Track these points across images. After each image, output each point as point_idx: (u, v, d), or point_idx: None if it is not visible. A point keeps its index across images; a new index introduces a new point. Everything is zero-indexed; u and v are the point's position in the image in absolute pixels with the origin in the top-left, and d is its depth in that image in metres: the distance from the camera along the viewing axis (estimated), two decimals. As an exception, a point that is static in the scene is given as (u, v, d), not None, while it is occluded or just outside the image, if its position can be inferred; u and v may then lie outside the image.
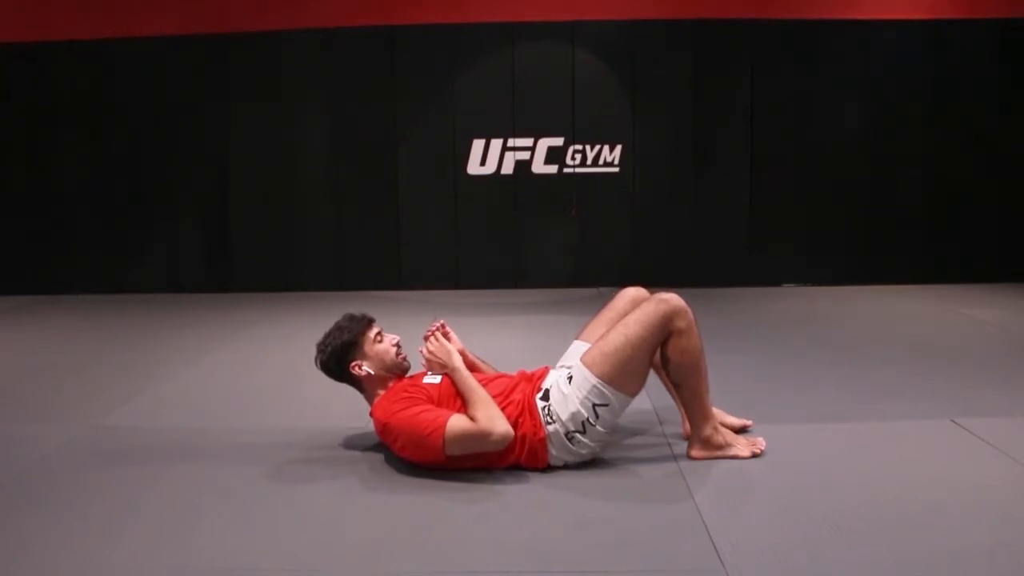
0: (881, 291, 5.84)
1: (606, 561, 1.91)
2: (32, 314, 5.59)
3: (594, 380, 2.39)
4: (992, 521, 2.06)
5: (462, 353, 2.63)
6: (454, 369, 2.48)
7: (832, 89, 6.07)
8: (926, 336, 4.39)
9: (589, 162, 6.16)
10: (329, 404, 2.95)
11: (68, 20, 6.15)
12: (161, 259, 6.39)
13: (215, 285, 6.34)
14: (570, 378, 2.44)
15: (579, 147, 6.15)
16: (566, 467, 2.44)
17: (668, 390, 2.68)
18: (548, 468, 2.43)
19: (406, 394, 2.45)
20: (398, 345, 2.61)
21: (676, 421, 2.76)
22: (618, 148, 6.15)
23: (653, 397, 2.94)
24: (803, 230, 6.19)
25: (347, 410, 2.81)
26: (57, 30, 6.14)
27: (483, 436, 2.30)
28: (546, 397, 2.44)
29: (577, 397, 2.40)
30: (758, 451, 2.53)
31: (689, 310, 2.42)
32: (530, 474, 2.40)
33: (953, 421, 2.82)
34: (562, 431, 2.40)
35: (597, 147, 6.15)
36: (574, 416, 2.39)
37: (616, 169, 6.17)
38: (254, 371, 3.92)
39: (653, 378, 2.57)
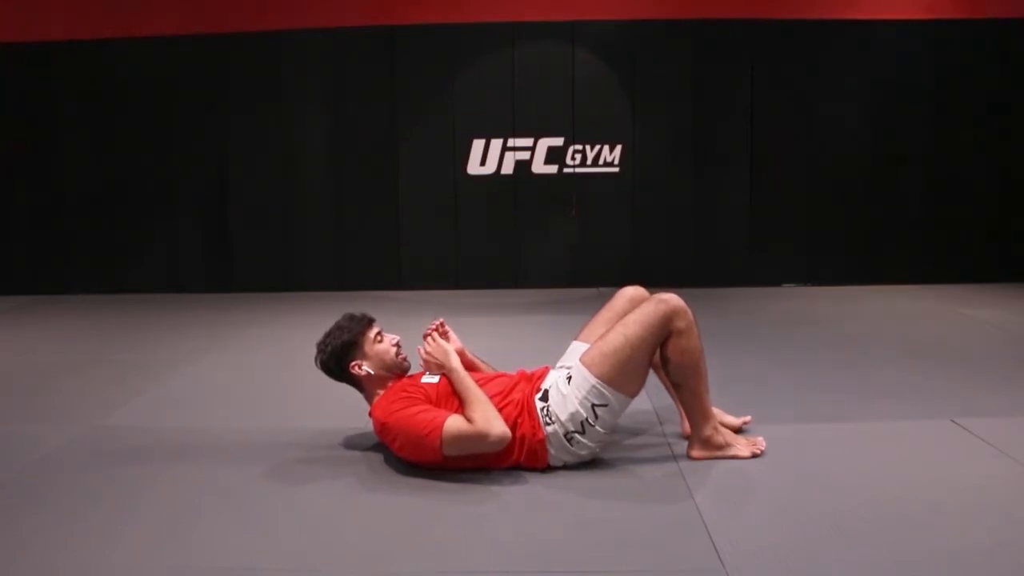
0: (881, 291, 5.84)
1: (606, 561, 1.91)
2: (32, 314, 5.59)
3: (593, 380, 2.39)
4: (992, 521, 2.06)
5: (461, 353, 2.63)
6: (451, 369, 2.48)
7: (832, 89, 6.08)
8: (926, 336, 4.39)
9: (589, 162, 6.16)
10: (329, 404, 2.95)
11: (68, 20, 6.16)
12: (161, 259, 6.39)
13: (215, 285, 6.34)
14: (569, 378, 2.44)
15: (579, 147, 6.15)
16: (565, 467, 2.44)
17: (668, 390, 2.68)
18: (548, 468, 2.43)
19: (405, 394, 2.44)
20: (398, 345, 2.60)
21: (676, 421, 2.76)
22: (618, 148, 6.16)
23: (653, 397, 2.94)
24: (803, 230, 6.19)
25: (347, 410, 2.81)
26: (57, 30, 6.15)
27: (480, 437, 2.30)
28: (545, 398, 2.44)
29: (576, 397, 2.39)
30: (758, 451, 2.53)
31: (689, 310, 2.42)
32: (530, 474, 2.40)
33: (953, 421, 2.82)
34: (561, 432, 2.40)
35: (597, 147, 6.15)
36: (573, 416, 2.39)
37: (616, 169, 6.17)
38: (254, 371, 3.92)
39: (653, 378, 2.57)
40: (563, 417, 2.39)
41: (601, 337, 2.47)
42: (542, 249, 6.27)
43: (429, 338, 2.59)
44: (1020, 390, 3.25)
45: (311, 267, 6.38)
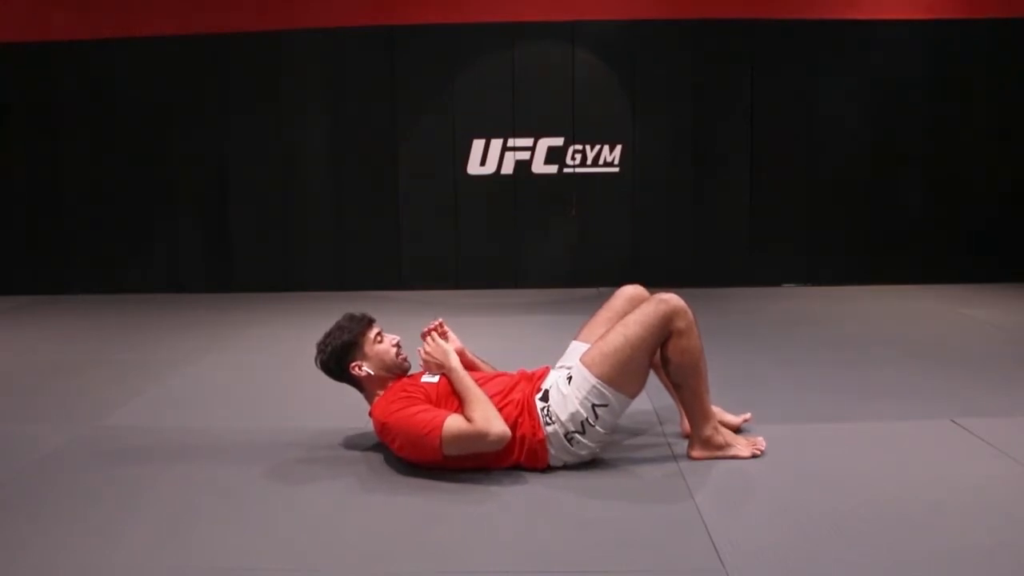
0: (881, 291, 5.84)
1: (606, 561, 1.91)
2: (32, 314, 5.59)
3: (593, 380, 2.39)
4: (992, 521, 2.06)
5: (461, 352, 2.63)
6: (451, 369, 2.48)
7: (832, 89, 6.07)
8: (926, 336, 4.39)
9: (589, 162, 6.16)
10: (329, 404, 2.95)
11: (68, 20, 6.15)
12: (161, 259, 6.39)
13: (215, 285, 6.34)
14: (569, 378, 2.44)
15: (579, 147, 6.15)
16: (565, 467, 2.44)
17: (668, 390, 2.68)
18: (548, 469, 2.43)
19: (404, 394, 2.45)
20: (398, 345, 2.60)
21: (676, 421, 2.75)
22: (618, 148, 6.15)
23: (653, 397, 2.93)
24: (803, 230, 6.19)
25: (347, 410, 2.81)
26: (57, 30, 6.14)
27: (479, 436, 2.30)
28: (545, 398, 2.44)
29: (576, 397, 2.39)
30: (758, 451, 2.53)
31: (689, 310, 2.42)
32: (530, 474, 2.40)
33: (953, 421, 2.81)
34: (561, 432, 2.40)
35: (597, 147, 6.15)
36: (573, 416, 2.39)
37: (616, 169, 6.17)
38: (254, 371, 3.92)
39: (653, 378, 2.57)
40: (563, 417, 2.39)
41: (601, 337, 2.47)
42: (542, 249, 6.27)
43: (429, 338, 2.58)
44: (1020, 390, 3.25)
45: (311, 267, 6.38)
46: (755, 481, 2.36)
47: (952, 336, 4.37)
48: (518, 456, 2.40)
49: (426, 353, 2.55)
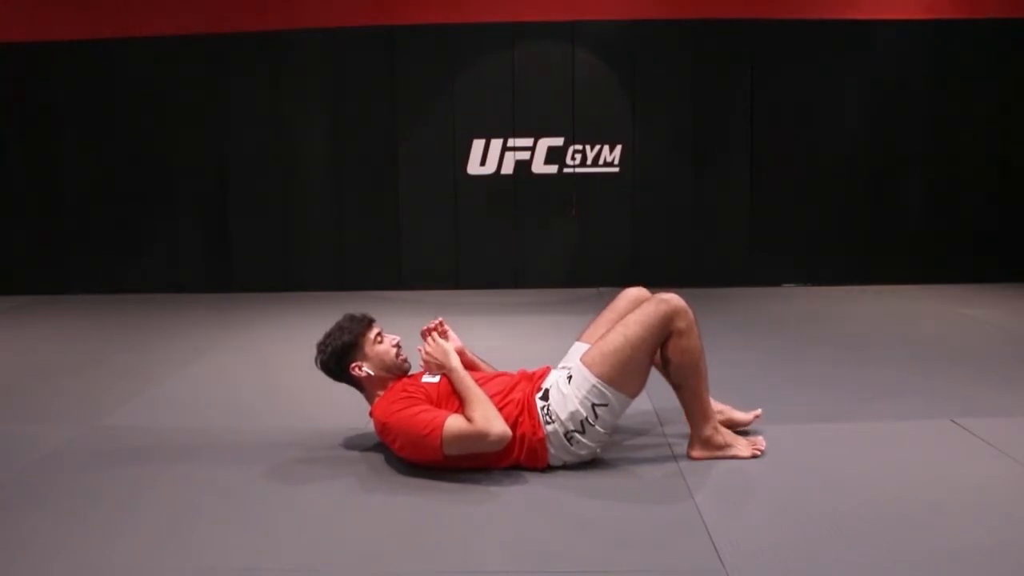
0: (881, 291, 5.84)
1: (606, 561, 1.91)
2: (32, 314, 5.59)
3: (593, 380, 2.39)
4: (992, 521, 2.06)
5: (461, 352, 2.63)
6: (451, 369, 2.48)
7: (832, 89, 6.07)
8: (926, 336, 4.39)
9: (589, 162, 6.16)
10: (329, 404, 2.95)
11: (68, 20, 6.15)
12: (161, 259, 6.39)
13: (215, 285, 6.34)
14: (570, 378, 2.44)
15: (579, 147, 6.15)
16: (565, 467, 2.44)
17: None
18: (548, 468, 2.43)
19: (405, 394, 2.45)
20: (398, 346, 2.60)
21: (676, 421, 2.75)
22: (618, 148, 6.15)
23: (653, 397, 2.93)
24: (803, 230, 6.19)
25: (347, 410, 2.81)
26: (57, 30, 6.14)
27: (480, 436, 2.30)
28: (545, 397, 2.44)
29: (576, 397, 2.39)
30: (758, 451, 2.53)
31: (689, 310, 2.42)
32: (530, 474, 2.40)
33: (953, 421, 2.82)
34: (561, 431, 2.40)
35: (597, 147, 6.15)
36: (573, 415, 2.39)
37: (616, 169, 6.17)
38: (254, 371, 3.92)
39: (653, 378, 2.57)
40: (563, 416, 2.39)
41: (602, 337, 2.47)
42: (542, 249, 6.27)
43: (429, 338, 2.58)
44: (1020, 390, 3.25)
45: (311, 267, 6.38)
46: (755, 481, 2.36)
47: (952, 336, 4.37)
48: (518, 455, 2.40)
49: (427, 353, 2.54)
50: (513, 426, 2.37)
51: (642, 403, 2.88)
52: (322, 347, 2.58)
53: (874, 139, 6.11)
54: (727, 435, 2.54)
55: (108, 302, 5.97)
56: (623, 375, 2.39)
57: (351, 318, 2.61)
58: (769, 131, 6.10)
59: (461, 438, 2.31)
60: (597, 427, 2.40)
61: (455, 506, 2.22)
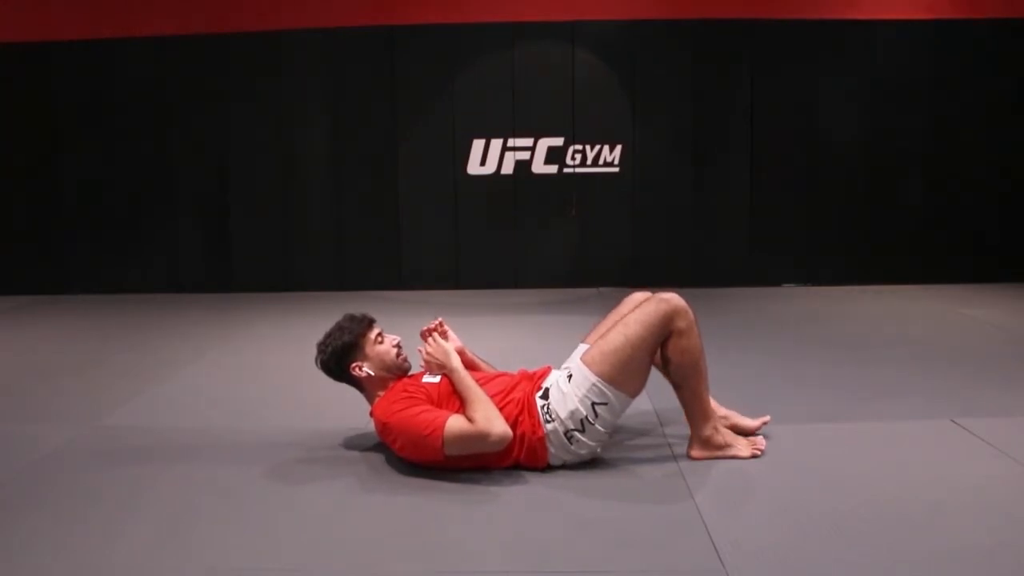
0: (881, 291, 5.84)
1: (606, 561, 1.91)
2: (32, 314, 5.59)
3: (593, 379, 2.39)
4: (992, 521, 2.06)
5: (461, 352, 2.63)
6: (452, 370, 2.48)
7: (832, 89, 6.07)
8: (926, 336, 4.39)
9: (589, 162, 6.16)
10: (329, 404, 2.95)
11: (68, 20, 6.15)
12: (161, 259, 6.39)
13: (215, 285, 6.34)
14: (570, 377, 2.44)
15: (579, 147, 6.15)
16: (565, 467, 2.44)
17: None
18: (547, 468, 2.43)
19: (406, 394, 2.45)
20: (399, 346, 2.60)
21: (676, 421, 2.75)
22: (618, 148, 6.15)
23: (653, 397, 2.93)
24: (803, 230, 6.19)
25: (347, 410, 2.81)
26: (57, 30, 6.14)
27: (481, 437, 2.30)
28: (546, 396, 2.44)
29: (576, 395, 2.39)
30: (758, 451, 2.53)
31: (690, 310, 2.42)
32: (530, 474, 2.40)
33: (953, 421, 2.82)
34: (561, 430, 2.40)
35: (597, 147, 6.15)
36: (573, 414, 2.39)
37: (616, 169, 6.17)
38: (254, 371, 3.92)
39: (652, 379, 2.57)
40: (563, 415, 2.39)
41: (602, 336, 2.47)
42: (542, 249, 6.27)
43: (430, 338, 2.58)
44: (1020, 390, 3.25)
45: (311, 267, 6.38)
46: (755, 481, 2.36)
47: (952, 336, 4.37)
48: (518, 454, 2.40)
49: (427, 354, 2.54)
50: (513, 425, 2.37)
51: (642, 403, 2.88)
52: (322, 347, 2.58)
53: (874, 139, 6.10)
54: (727, 435, 2.54)
55: (108, 302, 5.97)
56: (623, 374, 2.39)
57: (351, 318, 2.61)
58: (769, 131, 6.10)
59: (462, 438, 2.31)
60: (597, 426, 2.40)
61: (455, 506, 2.22)
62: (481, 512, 2.19)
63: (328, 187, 6.30)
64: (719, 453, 2.50)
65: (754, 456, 2.51)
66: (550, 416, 2.40)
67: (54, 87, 6.22)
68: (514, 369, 2.67)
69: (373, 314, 2.66)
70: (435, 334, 2.60)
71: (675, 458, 2.53)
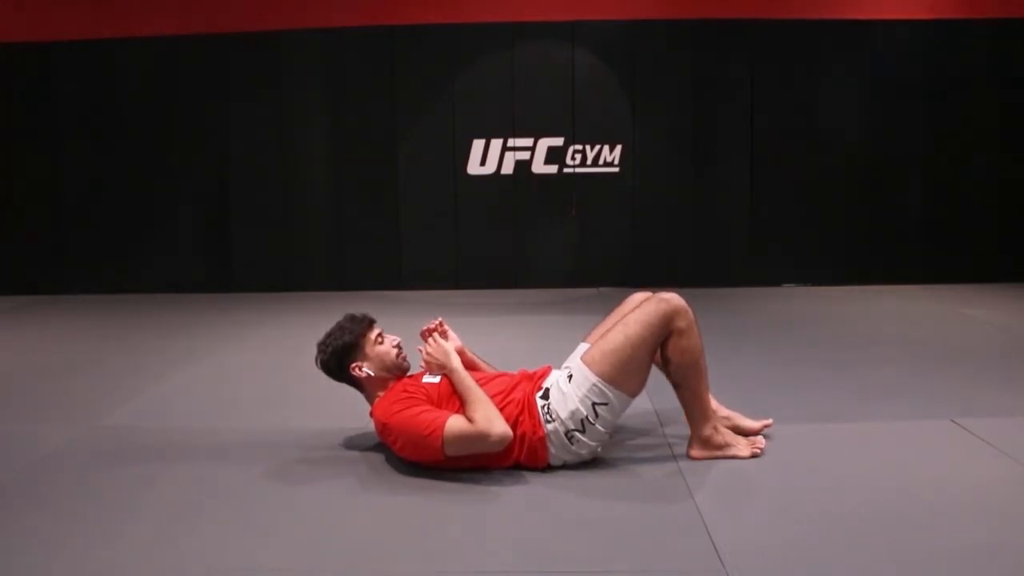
0: (881, 291, 5.84)
1: (606, 561, 1.91)
2: (32, 314, 5.59)
3: (593, 379, 2.39)
4: (992, 521, 2.06)
5: (460, 352, 2.63)
6: (452, 370, 2.48)
7: (832, 89, 6.07)
8: (926, 336, 4.39)
9: (589, 162, 6.16)
10: (329, 404, 2.95)
11: (68, 20, 6.15)
12: (161, 259, 6.38)
13: (215, 285, 6.34)
14: (570, 377, 2.44)
15: (579, 147, 6.15)
16: (565, 467, 2.44)
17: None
18: (548, 468, 2.43)
19: (406, 394, 2.45)
20: (399, 347, 2.60)
21: (676, 421, 2.75)
22: (618, 148, 6.15)
23: (653, 397, 2.93)
24: (803, 230, 6.19)
25: (347, 410, 2.81)
26: (57, 30, 6.14)
27: (481, 437, 2.30)
28: (546, 396, 2.44)
29: (576, 395, 2.39)
30: (758, 451, 2.53)
31: (689, 310, 2.42)
32: (530, 474, 2.40)
33: (953, 421, 2.81)
34: (561, 430, 2.40)
35: (597, 147, 6.15)
36: (573, 414, 2.39)
37: (616, 169, 6.17)
38: (254, 371, 3.92)
39: (652, 379, 2.57)
40: (563, 415, 2.39)
41: (602, 336, 2.47)
42: (542, 249, 6.27)
43: (430, 339, 2.58)
44: (1020, 390, 3.25)
45: (311, 267, 6.38)
46: (755, 481, 2.36)
47: (952, 336, 4.37)
48: (518, 455, 2.40)
49: (427, 354, 2.54)
50: (513, 425, 2.37)
51: (642, 403, 2.88)
52: (322, 347, 2.58)
53: (874, 139, 6.10)
54: (727, 435, 2.54)
55: (108, 302, 5.97)
56: (623, 374, 2.39)
57: (351, 318, 2.61)
58: (769, 131, 6.10)
59: (462, 438, 2.31)
60: (598, 426, 2.40)
61: (455, 506, 2.22)
62: (481, 512, 2.19)
63: (328, 187, 6.30)
64: (719, 453, 2.50)
65: (754, 456, 2.51)
66: (550, 416, 2.40)
67: (54, 87, 6.22)
68: (514, 369, 2.67)
69: (373, 314, 2.65)
70: (435, 334, 2.60)
71: (675, 458, 2.53)
